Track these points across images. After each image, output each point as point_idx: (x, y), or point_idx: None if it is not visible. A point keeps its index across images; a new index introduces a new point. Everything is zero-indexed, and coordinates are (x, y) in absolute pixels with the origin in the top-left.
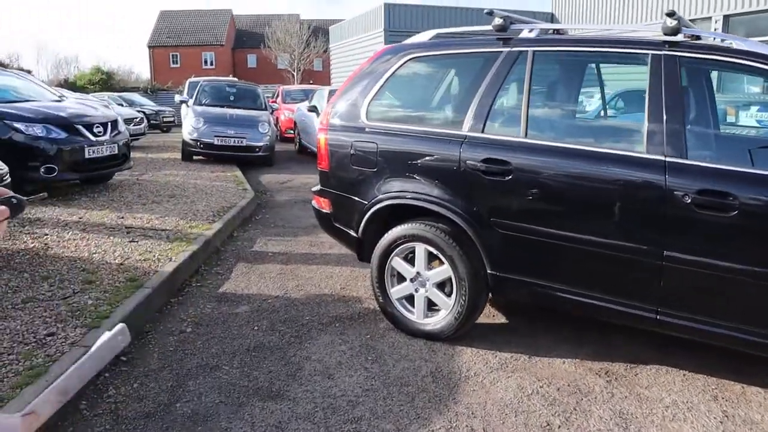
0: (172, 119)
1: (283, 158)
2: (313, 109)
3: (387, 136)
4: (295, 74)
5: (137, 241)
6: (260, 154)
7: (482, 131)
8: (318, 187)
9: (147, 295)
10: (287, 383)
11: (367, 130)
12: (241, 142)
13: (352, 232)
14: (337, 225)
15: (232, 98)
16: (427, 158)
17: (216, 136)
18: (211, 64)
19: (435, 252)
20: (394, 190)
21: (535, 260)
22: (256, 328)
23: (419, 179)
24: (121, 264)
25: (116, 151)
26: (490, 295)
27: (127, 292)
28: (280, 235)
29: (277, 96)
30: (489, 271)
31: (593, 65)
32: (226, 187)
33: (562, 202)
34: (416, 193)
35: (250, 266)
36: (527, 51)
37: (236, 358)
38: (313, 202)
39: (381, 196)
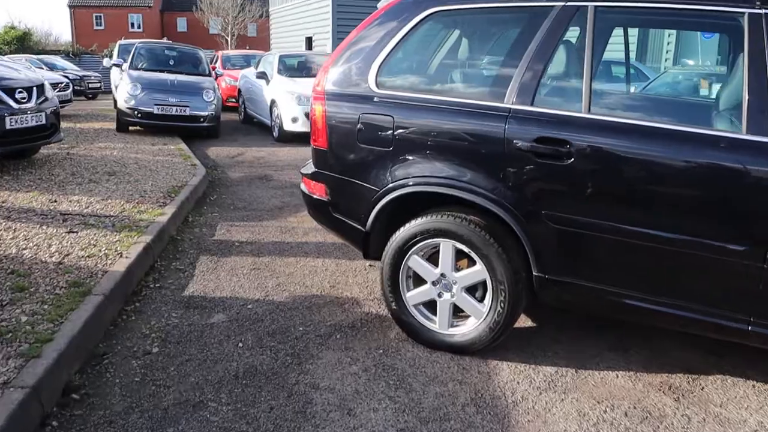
0: (98, 85)
1: (228, 129)
2: (262, 75)
3: (406, 108)
4: (229, 39)
5: (77, 232)
6: (205, 124)
7: (531, 104)
8: (310, 169)
9: (98, 304)
10: (298, 425)
11: (376, 99)
12: (184, 111)
13: (356, 225)
14: (337, 215)
15: (172, 63)
16: (460, 136)
17: (156, 105)
18: (139, 27)
19: (466, 250)
20: (416, 174)
21: (599, 262)
22: (240, 344)
23: (449, 161)
24: (60, 263)
25: (44, 121)
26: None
27: (72, 301)
28: (243, 220)
29: (216, 61)
30: (535, 273)
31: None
32: (172, 162)
33: (639, 192)
34: (445, 178)
35: (215, 260)
36: (587, 6)
37: (224, 390)
38: (303, 186)
39: (399, 182)
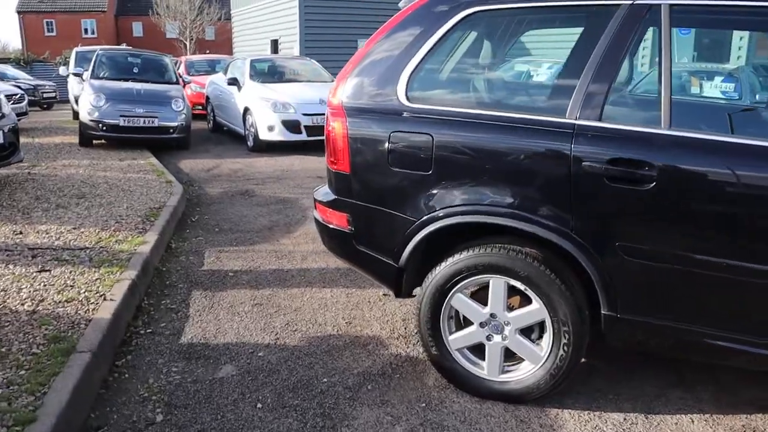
0: (53, 94)
1: (198, 139)
2: (234, 81)
3: (447, 125)
4: (188, 44)
5: (50, 270)
6: (175, 135)
7: (599, 119)
8: (328, 196)
9: (86, 364)
10: None
11: (409, 115)
12: (153, 122)
13: (387, 260)
14: (362, 249)
15: (136, 70)
16: (515, 157)
17: (122, 116)
18: (93, 32)
19: (520, 287)
20: (462, 202)
21: (682, 299)
22: (258, 405)
23: (501, 187)
24: (34, 312)
25: (1, 140)
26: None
27: (54, 362)
28: (232, 244)
29: (179, 67)
30: (605, 312)
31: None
32: (145, 179)
33: (739, 222)
34: (497, 206)
35: (210, 296)
36: (659, 5)
37: None
38: (317, 214)
39: (441, 211)
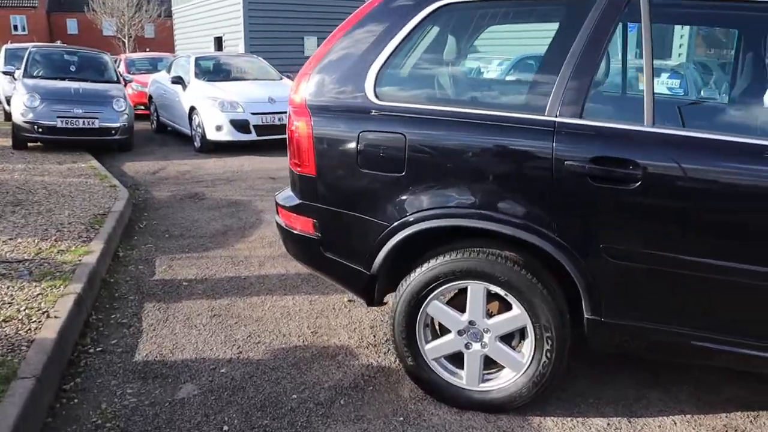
0: None
1: (141, 140)
2: (178, 80)
3: (421, 123)
4: (126, 41)
5: None
6: (118, 137)
7: (580, 116)
8: (292, 200)
9: (30, 392)
10: None
11: (376, 113)
12: (93, 123)
13: (358, 267)
14: (330, 256)
15: (73, 69)
16: (494, 157)
17: (59, 117)
18: (23, 29)
19: (501, 292)
20: (438, 204)
21: (669, 301)
22: (225, 428)
23: (480, 187)
24: None
25: None
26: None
27: None
28: (184, 251)
29: (119, 66)
30: (588, 316)
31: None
32: (87, 184)
33: (729, 221)
34: (476, 208)
35: (164, 307)
36: None
37: None
38: (279, 219)
39: (416, 214)
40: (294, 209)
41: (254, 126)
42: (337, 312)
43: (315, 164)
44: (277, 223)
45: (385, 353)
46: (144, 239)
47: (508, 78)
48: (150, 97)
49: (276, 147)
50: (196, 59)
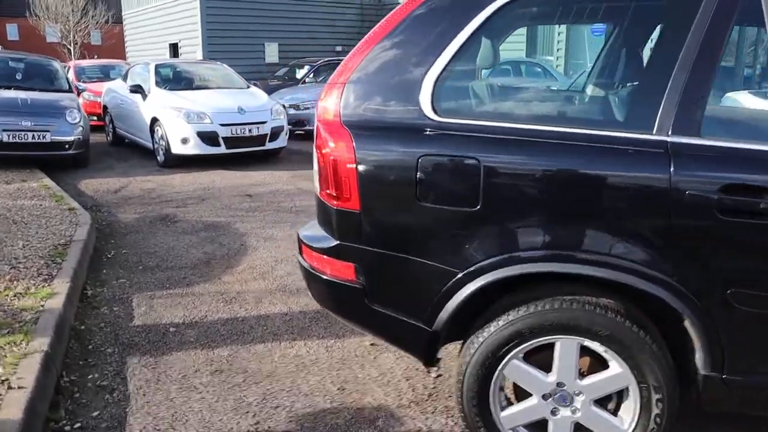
0: None
1: (97, 155)
2: (137, 89)
3: (500, 145)
4: (72, 49)
5: None
6: (72, 152)
7: (699, 134)
8: (325, 240)
9: None
10: None
11: (432, 132)
12: (44, 137)
13: (416, 322)
14: (379, 308)
15: (19, 77)
16: (595, 186)
17: (5, 131)
18: None
19: (600, 349)
20: (526, 246)
21: None
22: None
23: (577, 225)
24: None
25: None
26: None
27: None
28: (164, 286)
29: (68, 74)
30: (705, 373)
31: None
32: (41, 207)
33: None
34: (575, 250)
35: (152, 363)
36: None
37: None
38: (305, 262)
39: (497, 258)
40: (329, 252)
41: (224, 138)
42: (361, 360)
43: (359, 197)
44: (301, 265)
45: (432, 413)
46: (114, 272)
47: (596, 88)
48: (105, 108)
49: (247, 160)
50: (156, 66)
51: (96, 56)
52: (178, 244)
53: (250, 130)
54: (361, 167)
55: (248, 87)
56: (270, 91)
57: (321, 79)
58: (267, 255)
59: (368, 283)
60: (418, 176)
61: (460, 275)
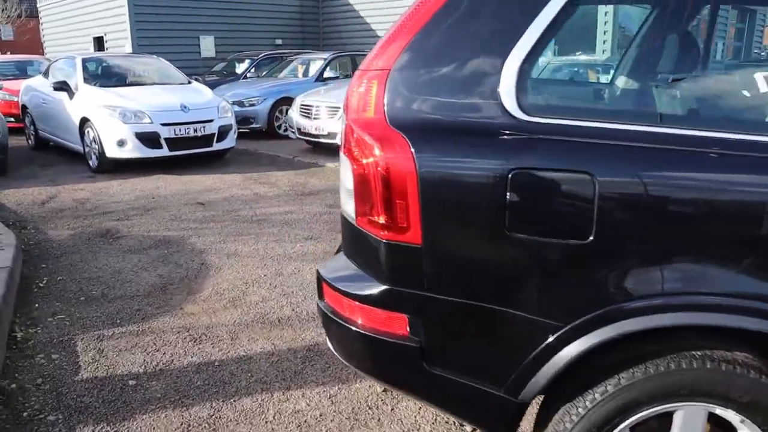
0: None
1: (17, 160)
2: (63, 86)
3: (622, 154)
4: None
5: None
6: None
7: None
8: (366, 283)
9: None
10: None
11: (519, 136)
12: None
13: (495, 391)
14: (442, 373)
15: None
16: (752, 210)
17: None
18: None
19: (736, 419)
20: (661, 290)
21: None
22: None
23: (734, 262)
24: None
25: None
26: None
27: None
28: (114, 323)
29: None
30: None
31: None
32: None
33: None
34: (731, 296)
35: None
36: None
37: None
38: (327, 307)
39: (619, 306)
40: (373, 300)
41: (166, 139)
42: (376, 413)
43: (421, 226)
44: (323, 312)
45: None
46: (50, 306)
47: (746, 73)
48: (24, 108)
49: (192, 163)
50: (83, 61)
51: (8, 52)
52: (125, 266)
53: (195, 130)
54: (425, 185)
55: (190, 82)
56: (208, 87)
57: (265, 73)
58: (234, 276)
59: (428, 340)
60: (508, 198)
61: (563, 330)
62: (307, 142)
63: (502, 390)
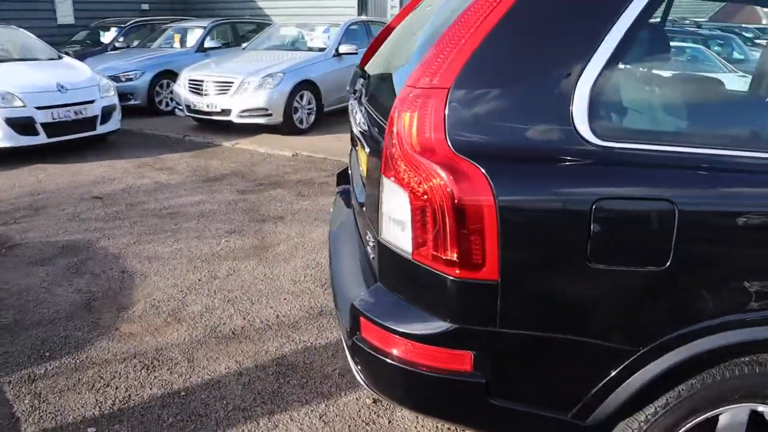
0: None
1: None
2: None
3: (703, 180)
4: None
5: None
6: None
7: None
8: (425, 322)
9: None
10: None
11: (595, 163)
12: None
13: (561, 416)
14: (503, 403)
15: None
16: None
17: None
18: None
19: None
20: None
21: None
22: None
23: None
24: None
25: None
26: None
27: None
28: (42, 356)
29: None
30: None
31: None
32: None
33: None
34: None
35: None
36: None
37: None
38: (368, 345)
39: (693, 328)
40: (436, 340)
41: (43, 125)
42: (374, 428)
43: (499, 261)
44: (360, 348)
45: None
46: None
47: None
48: None
49: (72, 150)
50: None
51: None
52: (33, 283)
53: (76, 113)
54: (504, 218)
55: (60, 57)
56: None
57: (136, 44)
58: (164, 283)
59: (495, 374)
60: (592, 228)
61: (639, 354)
62: (198, 120)
63: (569, 415)
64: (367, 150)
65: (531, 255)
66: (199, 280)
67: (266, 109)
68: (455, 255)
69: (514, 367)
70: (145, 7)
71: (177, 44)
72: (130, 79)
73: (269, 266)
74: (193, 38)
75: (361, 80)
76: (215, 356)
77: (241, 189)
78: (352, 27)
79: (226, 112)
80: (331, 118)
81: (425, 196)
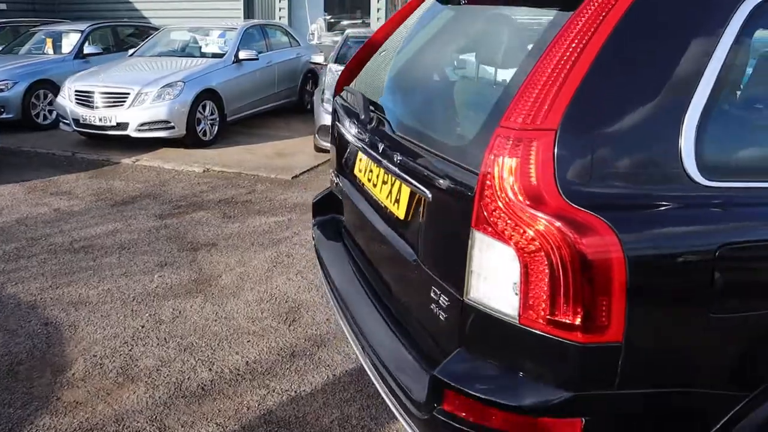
0: None
1: None
2: None
3: None
4: None
5: None
6: None
7: None
8: (531, 392)
9: None
10: None
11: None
12: None
13: None
14: None
15: None
16: None
17: None
18: None
19: None
20: None
21: None
22: None
23: None
24: None
25: None
26: None
27: None
28: None
29: None
30: None
31: None
32: None
33: None
34: None
35: None
36: None
37: None
38: (449, 415)
39: None
40: (551, 410)
41: None
42: None
43: (625, 321)
44: (444, 423)
45: None
46: None
47: None
48: None
49: None
50: None
51: None
52: None
53: None
54: (633, 275)
55: None
56: None
57: (0, 49)
58: (101, 334)
59: None
60: (716, 277)
61: (749, 398)
62: (87, 135)
63: None
64: (417, 192)
65: (655, 310)
66: (143, 326)
67: (168, 122)
68: (578, 318)
69: (626, 427)
70: (2, 6)
71: (50, 50)
72: (1, 90)
73: (218, 303)
74: (68, 43)
75: (371, 106)
76: (190, 421)
77: (157, 213)
78: (249, 31)
79: (122, 126)
80: (234, 128)
81: (540, 253)
